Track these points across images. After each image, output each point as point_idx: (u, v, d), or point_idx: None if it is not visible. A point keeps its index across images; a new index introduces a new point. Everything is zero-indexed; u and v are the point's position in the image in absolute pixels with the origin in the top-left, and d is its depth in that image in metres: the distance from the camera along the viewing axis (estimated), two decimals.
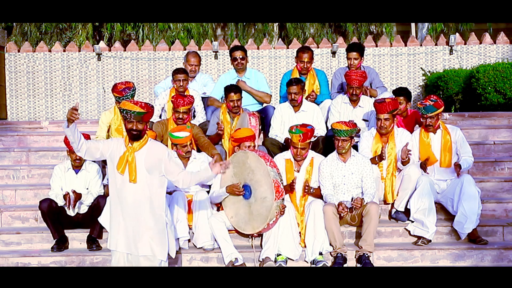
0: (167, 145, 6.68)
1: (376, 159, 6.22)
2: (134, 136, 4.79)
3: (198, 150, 6.58)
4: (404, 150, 6.10)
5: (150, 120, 7.17)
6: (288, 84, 6.91)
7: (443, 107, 6.35)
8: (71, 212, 6.18)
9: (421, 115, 6.42)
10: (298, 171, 6.14)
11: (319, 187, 6.13)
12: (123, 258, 4.84)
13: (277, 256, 5.83)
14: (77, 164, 6.21)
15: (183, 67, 7.73)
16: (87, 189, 6.19)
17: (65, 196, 6.01)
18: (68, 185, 6.19)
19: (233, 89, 6.82)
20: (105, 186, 6.23)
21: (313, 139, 6.65)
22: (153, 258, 4.81)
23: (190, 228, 6.09)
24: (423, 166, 6.25)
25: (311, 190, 6.05)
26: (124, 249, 4.82)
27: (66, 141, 6.16)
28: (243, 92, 7.05)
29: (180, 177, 4.88)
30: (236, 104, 6.81)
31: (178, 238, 5.91)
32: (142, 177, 4.79)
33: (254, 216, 5.78)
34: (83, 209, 6.19)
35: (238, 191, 5.84)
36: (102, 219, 5.98)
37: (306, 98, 7.24)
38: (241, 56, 7.50)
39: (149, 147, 4.86)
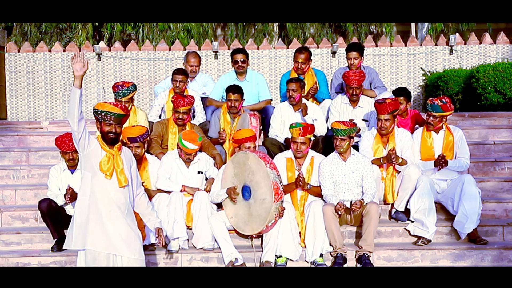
0: (167, 145, 6.70)
1: (381, 160, 6.21)
2: (112, 140, 4.54)
3: (199, 150, 6.58)
4: (389, 154, 6.10)
5: (150, 120, 7.21)
6: (288, 82, 6.95)
7: (450, 112, 6.33)
8: (70, 212, 6.19)
9: (426, 111, 6.42)
10: (299, 170, 6.14)
11: (318, 186, 6.13)
12: (103, 258, 4.56)
13: (277, 258, 5.83)
14: (71, 164, 6.20)
15: (183, 67, 7.74)
16: None
17: (67, 190, 5.98)
18: (65, 185, 6.19)
19: (232, 89, 6.83)
20: None
21: (313, 138, 6.67)
22: (141, 260, 4.68)
23: (189, 228, 6.10)
24: (439, 163, 6.20)
25: (308, 186, 6.05)
26: (104, 249, 4.54)
27: (57, 142, 6.17)
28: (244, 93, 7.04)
29: (139, 194, 4.79)
30: (233, 104, 6.81)
31: (177, 238, 5.92)
32: (127, 180, 4.62)
33: (253, 217, 5.78)
34: None
35: (235, 194, 5.86)
36: None
37: (307, 94, 7.25)
38: (242, 59, 7.49)
39: (124, 152, 4.70)
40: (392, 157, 6.06)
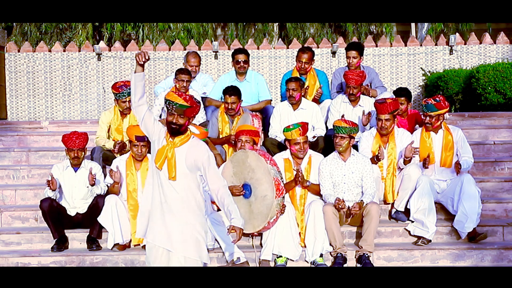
0: None
1: (375, 159, 6.22)
2: (173, 130, 4.34)
3: None
4: (409, 148, 6.10)
5: None
6: (288, 81, 6.94)
7: (446, 109, 6.32)
8: (71, 212, 6.20)
9: (422, 113, 6.42)
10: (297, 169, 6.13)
11: (318, 184, 6.13)
12: (157, 251, 4.48)
13: (277, 258, 5.83)
14: (76, 162, 6.20)
15: (184, 67, 7.74)
16: (88, 187, 6.19)
17: (49, 181, 5.99)
18: (67, 183, 6.20)
19: (229, 91, 6.80)
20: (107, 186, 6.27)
21: (313, 139, 6.67)
22: (199, 261, 4.52)
23: None
24: (425, 163, 6.23)
25: (307, 183, 6.02)
26: (157, 242, 4.45)
27: (64, 139, 6.17)
28: (243, 94, 7.03)
29: (216, 189, 4.43)
30: (230, 107, 6.80)
31: None
32: (182, 175, 4.38)
33: (255, 215, 5.78)
34: (83, 208, 6.20)
35: (238, 191, 5.85)
36: (102, 219, 5.99)
37: (313, 98, 7.26)
38: (244, 60, 7.48)
39: (191, 145, 4.41)
40: (380, 157, 6.08)
